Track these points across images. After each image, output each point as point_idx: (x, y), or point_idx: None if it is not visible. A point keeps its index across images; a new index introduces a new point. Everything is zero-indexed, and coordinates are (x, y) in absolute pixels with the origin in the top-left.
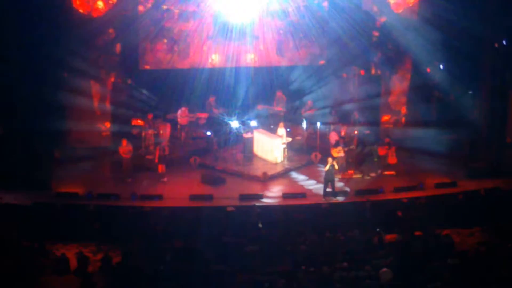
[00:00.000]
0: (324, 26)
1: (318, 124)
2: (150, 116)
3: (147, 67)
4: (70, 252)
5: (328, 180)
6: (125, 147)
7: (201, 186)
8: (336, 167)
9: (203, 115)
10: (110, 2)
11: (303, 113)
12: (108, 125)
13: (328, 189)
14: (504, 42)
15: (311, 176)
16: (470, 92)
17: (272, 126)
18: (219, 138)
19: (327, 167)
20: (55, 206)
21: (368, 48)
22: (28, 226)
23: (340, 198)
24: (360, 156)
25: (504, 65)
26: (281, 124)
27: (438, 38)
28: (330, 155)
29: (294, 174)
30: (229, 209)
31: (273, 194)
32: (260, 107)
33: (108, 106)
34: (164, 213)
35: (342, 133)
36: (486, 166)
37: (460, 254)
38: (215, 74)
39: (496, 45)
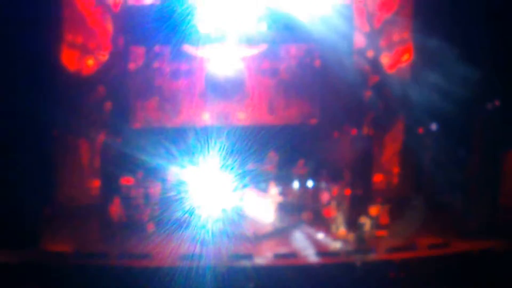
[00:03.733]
0: (315, 85)
1: (310, 183)
2: (140, 174)
3: (138, 125)
4: None
5: (370, 237)
6: (116, 205)
7: (191, 245)
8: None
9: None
10: (101, 59)
11: (295, 172)
12: (97, 183)
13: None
14: (496, 103)
15: (303, 236)
16: (462, 152)
17: (263, 186)
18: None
19: (362, 223)
20: (44, 265)
21: (360, 107)
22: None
23: (332, 258)
24: (353, 216)
25: (495, 126)
26: (272, 183)
27: (430, 99)
28: (322, 215)
29: (286, 234)
30: (219, 269)
31: (263, 254)
32: (252, 166)
33: (97, 164)
34: (155, 272)
35: (334, 193)
36: (478, 226)
37: None
38: (207, 133)
39: (489, 106)
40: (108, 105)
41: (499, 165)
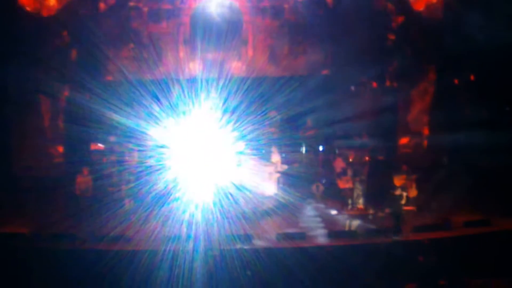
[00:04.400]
0: (327, 28)
1: (320, 148)
2: (112, 139)
3: (110, 78)
4: None
5: (397, 214)
6: (84, 177)
7: (178, 225)
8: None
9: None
10: None
11: (302, 134)
12: (61, 149)
13: None
14: None
15: (312, 212)
16: (508, 109)
17: (264, 151)
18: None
19: (399, 198)
20: None
21: (382, 54)
22: None
23: (347, 240)
24: (372, 188)
25: None
26: (275, 148)
27: (468, 44)
28: (335, 185)
29: (291, 210)
30: (211, 253)
31: (265, 235)
32: (249, 128)
33: (61, 127)
34: (132, 258)
35: (350, 159)
36: None
37: None
38: (193, 86)
39: None
40: (74, 53)
41: None
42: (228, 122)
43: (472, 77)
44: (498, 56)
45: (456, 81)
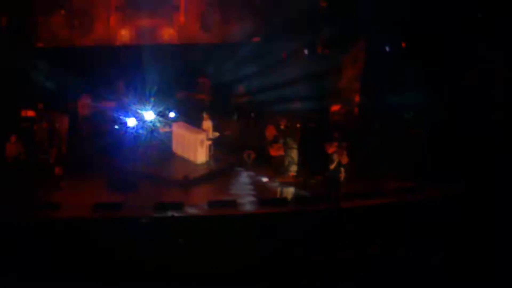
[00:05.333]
0: None
1: (252, 115)
2: (41, 106)
3: (41, 44)
4: None
5: (332, 182)
6: (12, 145)
7: (108, 192)
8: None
9: (110, 105)
10: None
11: (234, 102)
12: None
13: None
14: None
15: (243, 180)
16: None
17: (195, 118)
18: (130, 133)
19: (333, 165)
20: None
21: (313, 21)
22: None
23: (278, 208)
24: (304, 155)
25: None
26: (206, 115)
27: (398, 10)
28: (266, 153)
29: (222, 178)
30: (143, 220)
31: (196, 203)
32: (180, 95)
33: None
34: (60, 226)
35: (282, 126)
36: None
37: None
38: (125, 54)
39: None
40: (3, 20)
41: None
42: (159, 89)
43: (403, 44)
44: (430, 22)
45: (386, 49)
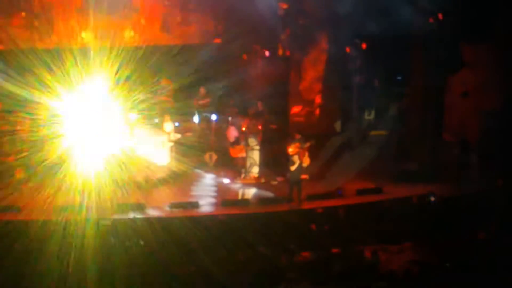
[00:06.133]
0: None
1: (214, 117)
2: (2, 106)
3: (1, 47)
4: None
5: (294, 183)
6: None
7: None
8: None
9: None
10: None
11: (195, 103)
12: None
13: None
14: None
15: (205, 181)
16: (399, 78)
17: (156, 120)
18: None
19: (294, 166)
20: None
21: (274, 23)
22: None
23: (240, 209)
24: (266, 157)
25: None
26: (167, 117)
27: (362, 12)
28: (228, 154)
29: (184, 179)
30: (103, 222)
31: (157, 204)
32: (141, 97)
33: None
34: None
35: (243, 128)
36: (418, 168)
37: (387, 275)
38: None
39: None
40: None
41: (443, 92)
42: (120, 91)
43: (363, 45)
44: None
45: (348, 50)
